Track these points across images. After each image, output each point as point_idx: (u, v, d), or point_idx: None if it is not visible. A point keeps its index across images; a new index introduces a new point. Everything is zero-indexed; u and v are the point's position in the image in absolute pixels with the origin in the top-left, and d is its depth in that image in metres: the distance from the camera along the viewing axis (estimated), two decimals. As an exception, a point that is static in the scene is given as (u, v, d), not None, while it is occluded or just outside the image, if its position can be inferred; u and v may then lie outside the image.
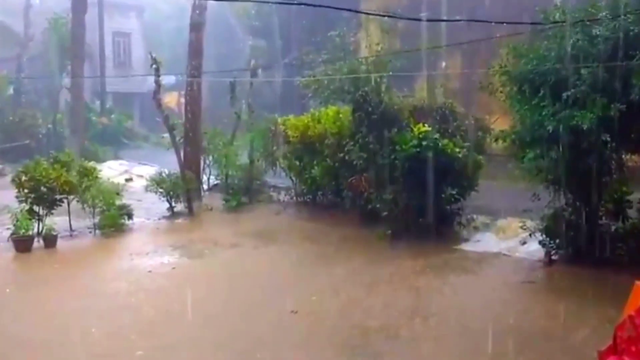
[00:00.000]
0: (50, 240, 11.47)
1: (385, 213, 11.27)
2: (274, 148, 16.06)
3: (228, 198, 15.14)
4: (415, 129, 11.08)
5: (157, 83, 14.95)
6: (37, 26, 27.51)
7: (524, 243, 9.97)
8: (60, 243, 11.63)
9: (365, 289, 8.58)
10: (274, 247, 11.64)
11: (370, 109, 11.96)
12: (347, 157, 12.46)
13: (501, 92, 9.52)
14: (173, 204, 14.60)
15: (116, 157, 25.19)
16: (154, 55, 15.26)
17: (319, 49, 15.35)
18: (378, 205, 11.48)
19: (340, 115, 13.31)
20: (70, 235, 12.30)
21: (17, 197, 11.92)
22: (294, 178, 15.09)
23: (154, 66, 14.88)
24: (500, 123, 11.12)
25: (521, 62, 9.08)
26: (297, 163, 14.74)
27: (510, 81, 9.25)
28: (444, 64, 16.90)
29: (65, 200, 12.36)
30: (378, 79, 12.22)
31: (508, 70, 9.24)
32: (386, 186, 11.42)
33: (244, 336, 6.92)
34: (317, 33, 17.51)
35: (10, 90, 26.60)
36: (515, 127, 9.35)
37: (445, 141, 11.06)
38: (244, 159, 16.33)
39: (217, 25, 26.18)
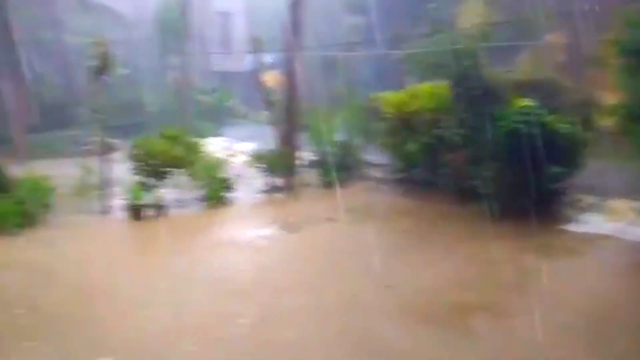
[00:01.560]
0: (160, 210, 12.25)
1: (484, 191, 11.00)
2: (371, 125, 16.05)
3: (324, 174, 15.35)
4: (517, 104, 10.67)
5: (258, 61, 15.35)
6: (148, 9, 29.06)
7: (635, 225, 9.41)
8: (168, 213, 12.37)
9: (462, 267, 8.48)
10: (369, 222, 11.73)
11: (469, 84, 11.64)
12: (444, 134, 12.24)
13: (612, 64, 8.96)
14: (271, 179, 15.04)
15: (218, 134, 26.19)
16: (255, 34, 15.65)
17: (418, 23, 15.08)
18: (476, 183, 11.22)
19: (438, 91, 13.06)
20: (178, 206, 13.04)
21: (131, 169, 12.78)
22: (390, 155, 15.02)
23: (255, 45, 15.27)
24: (610, 98, 10.46)
25: (635, 32, 8.47)
26: (393, 140, 14.65)
27: (622, 53, 8.67)
28: (549, 36, 16.04)
29: (173, 173, 13.13)
30: (478, 53, 11.84)
31: (620, 41, 8.66)
32: (485, 163, 11.13)
33: (337, 307, 7.09)
34: (416, 7, 17.18)
35: (124, 70, 28.27)
36: (626, 101, 8.78)
37: (549, 117, 10.58)
38: (341, 135, 16.46)
39: (315, 2, 26.30)
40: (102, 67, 12.31)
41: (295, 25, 17.11)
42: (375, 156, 16.15)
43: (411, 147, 13.63)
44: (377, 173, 15.65)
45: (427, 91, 13.39)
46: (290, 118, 17.03)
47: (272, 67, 29.85)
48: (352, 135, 16.34)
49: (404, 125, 14.03)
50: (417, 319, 6.65)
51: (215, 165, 13.80)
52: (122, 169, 13.14)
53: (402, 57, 14.12)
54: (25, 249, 9.90)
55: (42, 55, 26.03)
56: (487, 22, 12.93)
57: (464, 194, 11.79)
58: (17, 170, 12.57)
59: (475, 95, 11.52)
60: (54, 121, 22.99)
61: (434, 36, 13.17)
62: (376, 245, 9.99)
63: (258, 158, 15.07)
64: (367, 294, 7.47)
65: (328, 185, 15.03)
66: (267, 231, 11.13)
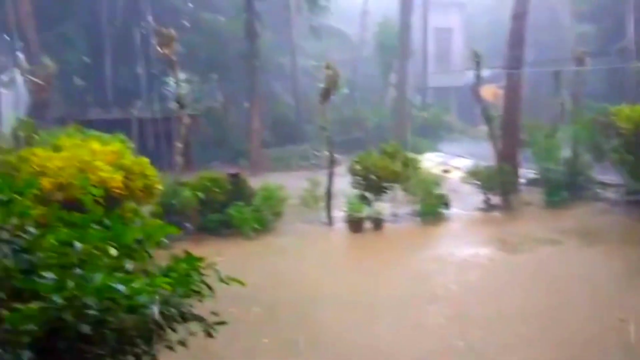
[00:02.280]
0: (377, 224, 12.73)
1: None
2: (602, 141, 14.75)
3: (548, 193, 14.52)
4: None
5: (477, 76, 15.14)
6: (369, 30, 30.57)
7: None
8: (385, 226, 12.79)
9: None
10: (598, 247, 10.77)
11: None
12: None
13: None
14: (489, 196, 14.67)
15: (434, 149, 26.31)
16: (474, 49, 15.47)
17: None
18: None
19: (688, 104, 11.53)
20: (394, 220, 13.40)
21: (351, 183, 13.52)
22: (625, 174, 13.63)
23: (475, 60, 15.08)
24: None
25: None
26: (630, 157, 13.26)
27: None
28: None
29: (390, 188, 13.56)
30: None
31: None
32: None
33: (563, 339, 6.63)
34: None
35: (346, 90, 30.03)
36: None
37: None
38: (567, 152, 15.42)
39: (539, 13, 25.08)
40: (330, 89, 13.24)
41: (517, 38, 16.54)
42: (607, 175, 14.79)
43: (652, 166, 12.23)
44: (609, 194, 14.32)
45: (674, 104, 11.92)
46: (509, 133, 16.46)
47: (490, 81, 29.20)
48: (580, 152, 15.18)
49: (644, 141, 12.65)
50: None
51: (431, 180, 13.92)
52: (343, 182, 13.93)
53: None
54: (260, 252, 11.07)
55: (278, 77, 28.93)
56: None
57: None
58: (254, 181, 14.14)
59: None
60: (286, 137, 25.39)
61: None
62: (607, 273, 9.18)
63: (475, 174, 14.81)
64: (598, 328, 6.88)
65: (552, 204, 14.19)
66: (484, 250, 10.87)
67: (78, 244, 3.91)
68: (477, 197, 14.91)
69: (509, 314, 7.53)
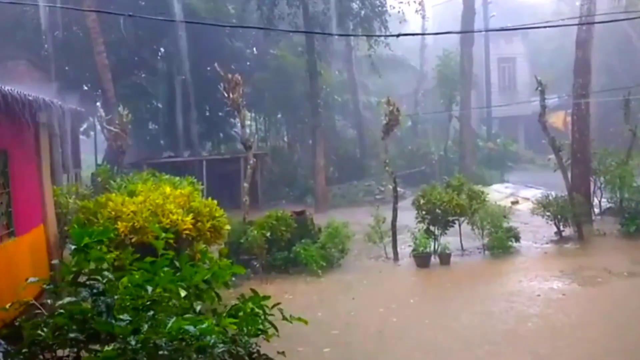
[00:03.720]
0: (444, 258, 12.54)
1: None
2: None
3: (624, 223, 13.90)
4: None
5: (543, 106, 14.82)
6: (430, 63, 30.59)
7: None
8: (453, 261, 12.57)
9: None
10: (683, 280, 10.20)
11: None
12: None
13: None
14: (561, 227, 14.19)
15: (502, 180, 25.74)
16: (538, 78, 15.19)
17: None
18: None
19: None
20: (462, 255, 13.16)
21: (416, 217, 13.41)
22: None
23: (539, 89, 14.80)
24: None
25: None
26: None
27: None
28: None
29: (456, 222, 13.36)
30: None
31: None
32: None
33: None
34: None
35: (409, 123, 30.02)
36: None
37: None
38: (641, 179, 14.79)
39: (608, 38, 24.40)
40: (391, 124, 13.31)
41: (582, 65, 16.16)
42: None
43: None
44: (692, 222, 13.52)
45: None
46: (580, 162, 15.97)
47: (560, 108, 28.43)
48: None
49: None
50: None
51: (499, 213, 13.61)
52: (408, 217, 13.83)
53: None
54: (327, 290, 11.06)
55: (342, 114, 29.32)
56: None
57: None
58: (320, 218, 14.27)
59: None
60: (351, 173, 25.55)
61: None
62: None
63: (545, 205, 14.37)
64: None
65: (628, 234, 13.60)
66: (558, 284, 10.48)
67: (150, 287, 4.15)
68: (548, 229, 14.47)
69: (587, 353, 7.21)
